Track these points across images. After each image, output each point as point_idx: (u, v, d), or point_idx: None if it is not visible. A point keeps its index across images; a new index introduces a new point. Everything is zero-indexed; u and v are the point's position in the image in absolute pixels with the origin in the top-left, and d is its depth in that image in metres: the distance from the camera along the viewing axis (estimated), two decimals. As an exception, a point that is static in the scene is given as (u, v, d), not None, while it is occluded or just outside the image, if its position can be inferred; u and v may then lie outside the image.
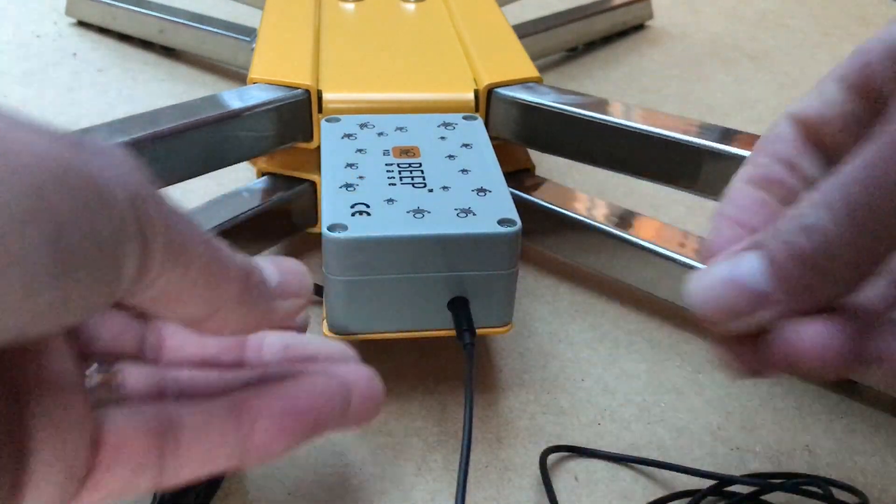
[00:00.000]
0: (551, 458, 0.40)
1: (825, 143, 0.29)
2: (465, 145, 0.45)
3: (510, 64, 0.53)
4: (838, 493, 0.38)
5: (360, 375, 0.27)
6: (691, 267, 0.47)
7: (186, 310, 0.22)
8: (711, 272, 0.26)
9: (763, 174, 0.29)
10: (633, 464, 0.40)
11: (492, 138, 0.46)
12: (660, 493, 0.39)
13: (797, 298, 0.24)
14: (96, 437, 0.22)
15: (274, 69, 0.51)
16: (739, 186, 0.29)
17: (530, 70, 0.53)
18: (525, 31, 0.77)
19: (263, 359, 0.29)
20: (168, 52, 0.82)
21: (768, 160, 0.29)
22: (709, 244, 0.28)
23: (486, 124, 0.50)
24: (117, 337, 0.27)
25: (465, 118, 0.48)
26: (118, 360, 0.27)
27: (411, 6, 0.63)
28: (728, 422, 0.43)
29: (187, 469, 0.24)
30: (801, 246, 0.23)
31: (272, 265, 0.25)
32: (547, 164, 0.60)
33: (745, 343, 0.26)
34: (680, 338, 0.49)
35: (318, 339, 0.30)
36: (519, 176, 0.54)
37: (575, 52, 0.86)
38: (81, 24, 0.88)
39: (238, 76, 0.79)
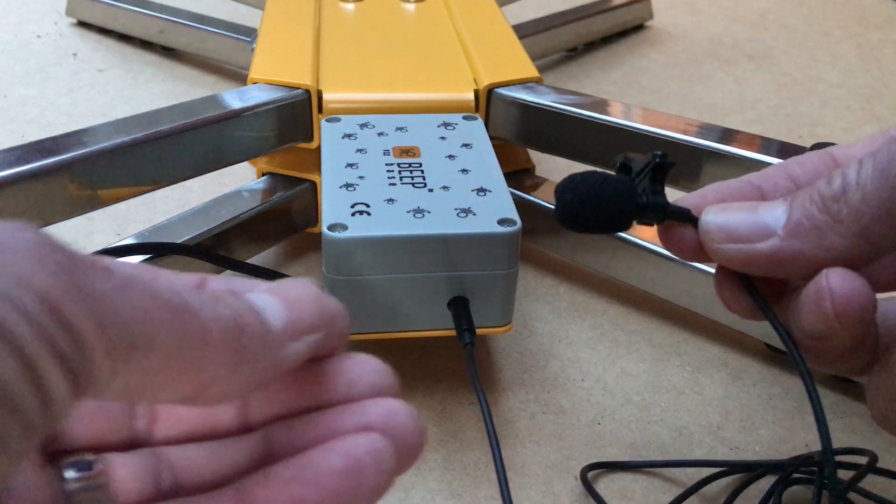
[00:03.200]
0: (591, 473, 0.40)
1: None
2: (465, 145, 0.45)
3: (510, 64, 0.53)
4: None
5: (394, 424, 0.21)
6: (691, 267, 0.47)
7: (165, 395, 0.18)
8: (737, 204, 0.27)
9: (768, 184, 0.28)
10: (663, 468, 0.40)
11: (492, 138, 0.46)
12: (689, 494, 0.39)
13: (799, 236, 0.25)
14: None
15: (274, 69, 0.51)
16: (740, 180, 0.29)
17: (530, 70, 0.53)
18: (525, 31, 0.77)
19: (270, 409, 0.23)
20: (168, 52, 0.82)
21: (779, 174, 0.29)
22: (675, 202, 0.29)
23: (486, 124, 0.50)
24: (97, 417, 0.22)
25: (465, 118, 0.48)
26: (101, 451, 0.21)
27: (411, 6, 0.63)
28: (728, 422, 0.43)
29: None
30: (820, 189, 0.25)
31: (276, 298, 0.20)
32: (547, 164, 0.60)
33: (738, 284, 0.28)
34: (680, 338, 0.49)
35: (343, 364, 0.23)
36: (519, 176, 0.54)
37: (575, 53, 0.86)
38: (82, 24, 0.88)
39: (238, 76, 0.79)
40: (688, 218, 0.28)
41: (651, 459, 0.41)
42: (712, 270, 0.46)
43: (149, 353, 0.16)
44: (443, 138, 0.45)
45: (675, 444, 0.42)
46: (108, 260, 0.17)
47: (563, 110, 0.50)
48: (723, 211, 0.27)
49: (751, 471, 0.39)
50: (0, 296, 0.14)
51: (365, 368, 0.22)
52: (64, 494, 0.20)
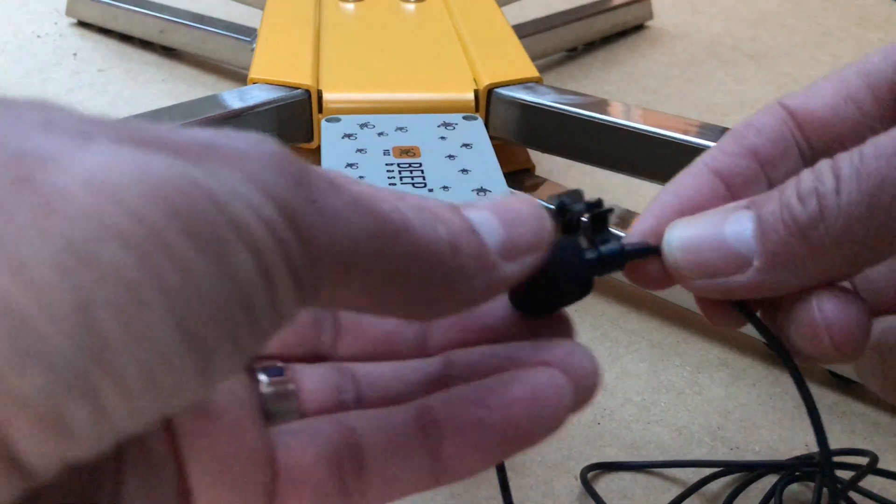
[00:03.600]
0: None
1: (823, 145, 0.25)
2: (465, 145, 0.45)
3: (510, 64, 0.53)
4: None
5: (573, 364, 0.21)
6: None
7: (378, 309, 0.18)
8: (698, 222, 0.23)
9: (728, 168, 0.25)
10: (663, 468, 0.40)
11: (492, 138, 0.46)
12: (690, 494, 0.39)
13: (779, 268, 0.22)
14: (273, 467, 0.19)
15: (274, 69, 0.51)
16: (694, 173, 0.25)
17: (530, 70, 0.53)
18: (525, 31, 0.77)
19: (449, 337, 0.23)
20: (168, 52, 0.82)
21: (738, 149, 0.25)
22: (634, 226, 0.25)
23: (486, 124, 0.50)
24: (286, 329, 0.23)
25: (465, 118, 0.48)
26: (291, 361, 0.22)
27: (411, 6, 0.63)
28: (728, 422, 0.43)
29: (372, 498, 0.20)
30: (792, 209, 0.21)
31: (494, 215, 0.20)
32: (547, 164, 0.60)
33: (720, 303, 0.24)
34: (680, 338, 0.49)
35: None
36: (519, 176, 0.54)
37: (575, 53, 0.86)
38: (82, 24, 0.88)
39: (238, 76, 0.79)
40: (649, 251, 0.24)
41: (651, 459, 0.41)
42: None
43: (370, 269, 0.17)
44: (443, 138, 0.45)
45: (675, 444, 0.42)
46: (335, 174, 0.17)
47: (563, 110, 0.50)
48: (685, 232, 0.23)
49: (751, 471, 0.39)
50: (244, 202, 0.14)
51: None
52: (258, 398, 0.20)
